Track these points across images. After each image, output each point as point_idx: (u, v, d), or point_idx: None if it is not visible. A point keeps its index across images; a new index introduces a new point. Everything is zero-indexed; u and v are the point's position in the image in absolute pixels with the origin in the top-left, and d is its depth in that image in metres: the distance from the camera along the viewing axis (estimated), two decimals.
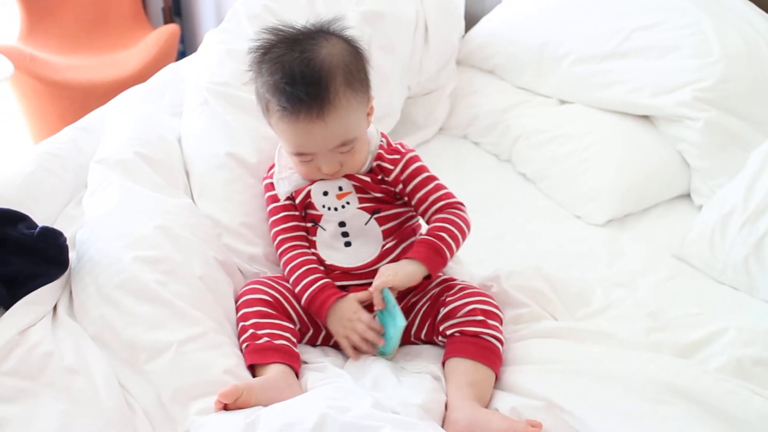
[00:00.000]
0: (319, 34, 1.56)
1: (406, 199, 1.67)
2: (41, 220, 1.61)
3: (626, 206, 2.19)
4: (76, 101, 3.35)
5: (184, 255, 1.56)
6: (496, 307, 1.58)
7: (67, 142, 1.93)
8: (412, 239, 1.67)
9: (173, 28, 3.72)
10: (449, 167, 2.24)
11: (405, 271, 1.55)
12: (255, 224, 1.75)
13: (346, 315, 1.55)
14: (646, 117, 2.34)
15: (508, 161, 2.45)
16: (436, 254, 1.58)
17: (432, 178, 1.67)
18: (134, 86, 2.22)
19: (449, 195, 1.67)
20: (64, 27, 3.78)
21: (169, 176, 1.80)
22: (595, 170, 2.21)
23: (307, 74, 1.49)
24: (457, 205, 1.66)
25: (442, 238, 1.59)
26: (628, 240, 2.11)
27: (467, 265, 1.78)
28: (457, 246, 1.62)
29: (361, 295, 1.58)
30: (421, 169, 1.67)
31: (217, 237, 1.71)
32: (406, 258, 1.58)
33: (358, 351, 1.56)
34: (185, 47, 4.09)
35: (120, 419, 1.31)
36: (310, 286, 1.59)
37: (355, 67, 1.55)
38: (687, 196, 2.28)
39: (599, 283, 1.81)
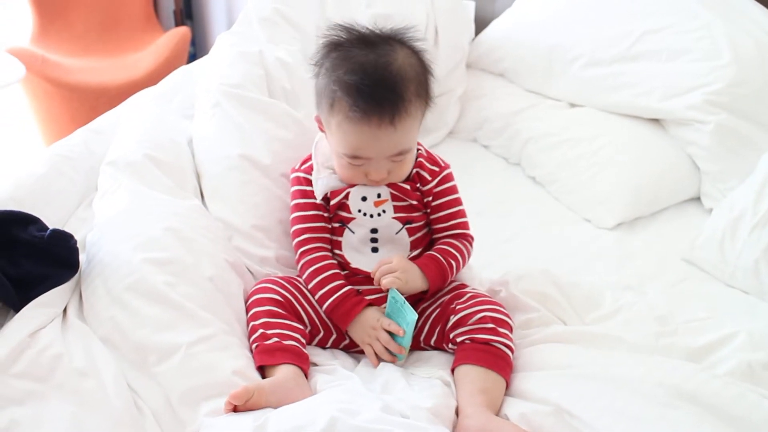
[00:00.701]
0: (393, 39, 1.56)
1: (428, 210, 1.67)
2: (52, 222, 1.62)
3: (636, 210, 2.19)
4: (87, 103, 3.36)
5: (194, 256, 1.56)
6: (507, 315, 1.58)
7: (78, 144, 1.94)
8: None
9: (184, 30, 3.74)
10: (459, 170, 2.21)
11: (413, 284, 1.58)
12: (267, 227, 1.75)
13: (371, 323, 1.57)
14: (656, 120, 2.34)
15: (517, 164, 2.45)
16: (441, 278, 1.62)
17: (459, 202, 1.70)
18: (145, 89, 2.23)
19: (466, 225, 1.70)
20: (76, 29, 3.80)
21: (179, 179, 1.80)
22: (605, 173, 2.21)
23: (387, 79, 1.48)
24: (469, 238, 1.70)
25: (450, 265, 1.63)
26: (638, 243, 2.10)
27: (476, 268, 1.78)
28: (454, 275, 1.65)
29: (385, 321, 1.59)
30: (454, 189, 1.69)
31: (227, 239, 1.71)
32: (419, 268, 1.60)
33: (379, 359, 1.57)
34: (196, 50, 4.10)
35: (129, 421, 1.31)
36: (335, 293, 1.59)
37: (424, 77, 1.55)
38: (697, 199, 2.28)
39: (608, 286, 1.80)
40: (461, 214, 1.69)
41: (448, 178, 1.69)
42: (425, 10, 2.42)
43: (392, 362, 1.55)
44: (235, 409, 1.33)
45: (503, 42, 2.62)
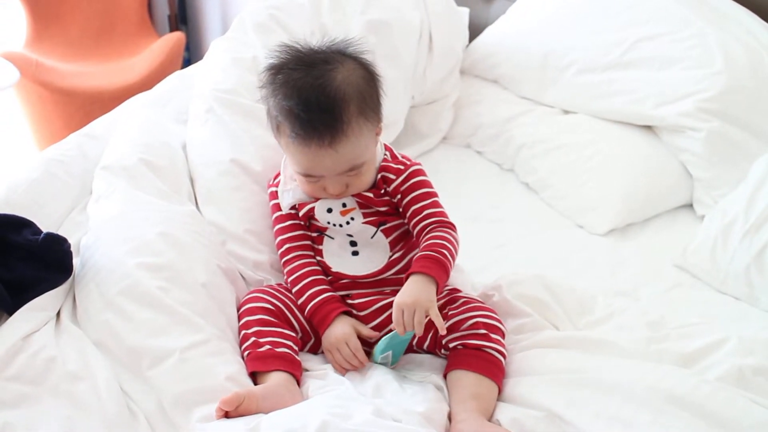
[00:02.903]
0: (335, 57, 1.54)
1: (400, 210, 1.66)
2: (46, 226, 1.62)
3: (628, 216, 2.19)
4: (81, 108, 3.36)
5: (187, 262, 1.57)
6: (499, 321, 1.58)
7: (72, 148, 1.94)
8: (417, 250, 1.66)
9: (179, 35, 3.74)
10: (452, 176, 2.25)
11: (429, 297, 1.49)
12: (260, 231, 1.76)
13: (338, 334, 1.55)
14: (648, 127, 2.35)
15: (510, 170, 2.46)
16: (443, 270, 1.55)
17: (431, 195, 1.66)
18: (140, 93, 2.23)
19: (444, 214, 1.65)
20: (70, 34, 3.80)
21: (173, 183, 1.81)
22: (598, 180, 2.21)
23: (321, 102, 1.48)
24: (451, 225, 1.64)
25: (444, 255, 1.55)
26: (630, 249, 2.11)
27: (468, 273, 1.79)
28: (452, 263, 1.59)
29: (364, 331, 1.57)
30: (423, 184, 1.66)
31: (220, 244, 1.71)
32: (420, 272, 1.53)
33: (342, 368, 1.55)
34: (190, 55, 4.10)
35: (122, 425, 1.32)
36: (314, 298, 1.60)
37: (368, 94, 1.54)
38: (689, 206, 2.28)
39: (601, 292, 1.81)
40: (435, 204, 1.65)
41: (415, 174, 1.65)
42: (419, 16, 2.43)
43: (353, 370, 1.54)
44: (227, 415, 1.33)
45: (497, 48, 2.62)
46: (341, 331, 1.55)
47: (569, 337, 1.59)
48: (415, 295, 1.48)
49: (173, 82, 2.25)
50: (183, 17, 4.09)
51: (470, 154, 2.55)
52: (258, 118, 1.88)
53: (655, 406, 1.36)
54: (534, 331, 1.63)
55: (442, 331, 1.48)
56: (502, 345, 1.54)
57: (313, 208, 1.64)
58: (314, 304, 1.59)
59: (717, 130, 2.18)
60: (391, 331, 1.53)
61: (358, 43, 1.60)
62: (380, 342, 1.54)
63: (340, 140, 1.48)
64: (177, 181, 1.82)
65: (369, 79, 1.56)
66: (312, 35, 2.22)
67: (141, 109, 2.07)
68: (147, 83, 2.89)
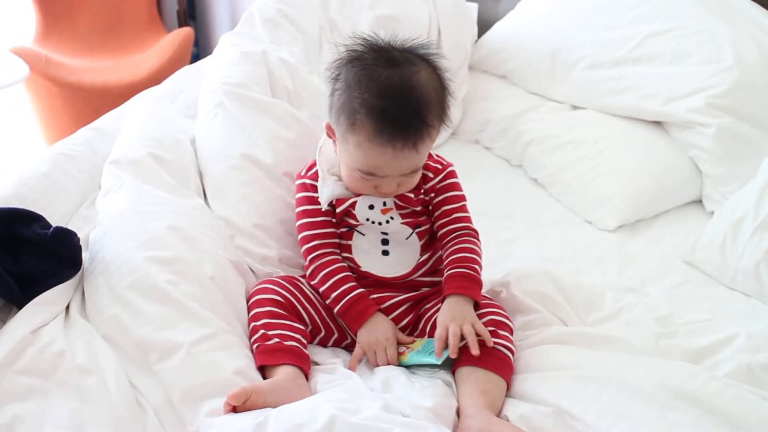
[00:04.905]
0: (414, 58, 1.52)
1: (430, 207, 1.66)
2: (55, 220, 1.62)
3: (637, 212, 2.19)
4: (90, 103, 3.37)
5: (196, 256, 1.57)
6: (507, 317, 1.59)
7: (81, 143, 1.94)
8: (439, 253, 1.68)
9: (187, 31, 3.74)
10: (461, 172, 2.21)
11: (470, 313, 1.54)
12: (269, 226, 1.76)
13: (380, 337, 1.56)
14: (658, 123, 2.35)
15: (519, 166, 2.46)
16: (478, 287, 1.59)
17: (462, 198, 1.68)
18: (149, 88, 2.24)
19: (469, 220, 1.68)
20: (80, 29, 3.81)
21: (182, 177, 1.81)
22: (607, 176, 2.21)
23: (412, 104, 1.46)
24: (476, 235, 1.67)
25: (476, 270, 1.61)
26: (639, 245, 2.11)
27: None
28: (480, 274, 1.63)
29: (403, 339, 1.59)
30: (456, 186, 1.68)
31: (229, 238, 1.71)
32: (458, 294, 1.57)
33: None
34: (199, 50, 4.10)
35: (130, 418, 1.31)
36: (347, 294, 1.59)
37: (444, 99, 1.54)
38: (698, 202, 2.28)
39: (610, 288, 1.81)
40: (464, 209, 1.68)
41: (452, 174, 1.69)
42: (428, 11, 2.43)
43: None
44: (234, 410, 1.33)
45: (506, 44, 2.62)
46: (384, 334, 1.56)
47: (577, 333, 1.58)
48: (455, 313, 1.51)
49: (182, 77, 2.25)
50: (192, 13, 4.10)
51: (479, 149, 2.55)
52: (268, 111, 1.88)
53: (664, 403, 1.36)
54: (542, 327, 1.62)
55: (489, 343, 1.49)
56: (511, 341, 1.54)
57: (354, 203, 1.62)
58: (348, 300, 1.59)
59: (727, 126, 2.18)
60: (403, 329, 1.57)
61: (434, 47, 1.58)
62: (413, 355, 1.55)
63: (424, 141, 1.48)
64: (186, 175, 1.82)
65: (444, 85, 1.55)
66: (321, 30, 2.22)
67: (150, 104, 2.08)
68: (156, 79, 2.89)
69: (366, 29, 2.15)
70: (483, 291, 1.68)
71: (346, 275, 1.62)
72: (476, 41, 2.70)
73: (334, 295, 1.60)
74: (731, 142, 2.18)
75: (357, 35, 1.56)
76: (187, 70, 2.33)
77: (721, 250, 1.94)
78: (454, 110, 2.55)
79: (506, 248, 2.06)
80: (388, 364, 1.55)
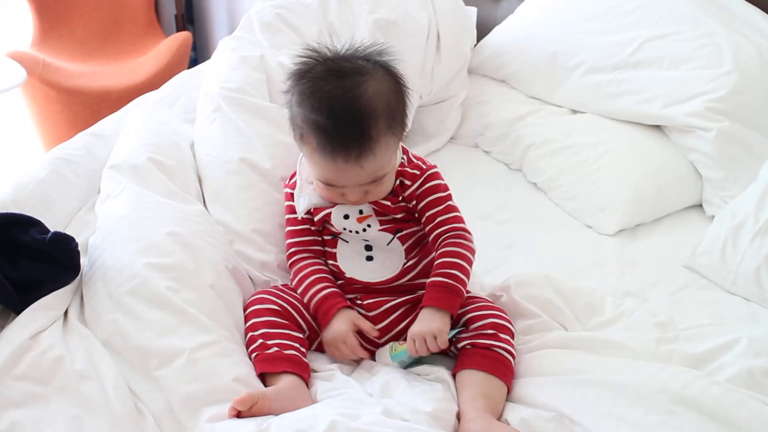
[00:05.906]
0: (365, 66, 1.50)
1: (417, 215, 1.65)
2: (53, 225, 1.62)
3: (637, 216, 2.19)
4: (88, 108, 3.36)
5: (196, 262, 1.56)
6: (508, 321, 1.58)
7: (79, 147, 1.94)
8: (432, 256, 1.64)
9: (186, 35, 3.74)
10: (460, 176, 2.24)
11: (443, 324, 1.52)
12: (268, 231, 1.76)
13: (336, 333, 1.56)
14: (658, 127, 2.34)
15: (518, 170, 2.45)
16: (456, 297, 1.55)
17: (446, 199, 1.64)
18: (147, 93, 2.23)
19: (458, 219, 1.64)
20: (77, 34, 3.80)
21: (181, 182, 1.80)
22: (607, 180, 2.21)
23: (351, 118, 1.44)
24: (464, 234, 1.62)
25: (457, 277, 1.56)
26: (639, 250, 2.10)
27: (477, 274, 1.78)
28: (467, 281, 1.59)
29: (364, 326, 1.57)
30: (437, 188, 1.64)
31: (228, 244, 1.71)
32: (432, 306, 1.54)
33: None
34: (197, 55, 4.10)
35: (130, 424, 1.31)
36: (317, 294, 1.59)
37: (396, 108, 1.51)
38: (699, 206, 2.28)
39: (610, 293, 1.81)
40: (449, 209, 1.63)
41: (431, 177, 1.64)
42: (427, 15, 2.43)
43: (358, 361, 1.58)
44: (239, 415, 1.33)
45: (505, 48, 2.62)
46: (338, 329, 1.56)
47: (578, 337, 1.58)
48: (423, 327, 1.51)
49: (181, 82, 2.25)
50: (190, 17, 4.10)
51: (478, 154, 2.55)
52: (266, 116, 1.88)
53: (665, 408, 1.35)
54: (543, 331, 1.62)
55: (443, 346, 1.51)
56: (511, 345, 1.54)
57: (329, 214, 1.62)
58: (317, 300, 1.59)
59: (727, 130, 2.17)
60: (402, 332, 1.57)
61: (389, 49, 1.56)
62: (399, 352, 1.55)
63: (367, 156, 1.46)
64: (185, 180, 1.82)
65: (398, 91, 1.52)
66: (320, 34, 2.22)
67: (148, 109, 2.07)
68: (154, 83, 2.89)
69: (365, 33, 2.16)
70: (484, 295, 1.68)
71: (319, 277, 1.62)
72: (475, 45, 2.70)
73: (307, 297, 1.61)
74: (731, 146, 2.18)
75: (308, 45, 1.55)
76: (186, 75, 2.33)
77: (721, 254, 1.94)
78: (453, 114, 2.55)
79: (506, 253, 2.06)
80: (355, 357, 1.56)
